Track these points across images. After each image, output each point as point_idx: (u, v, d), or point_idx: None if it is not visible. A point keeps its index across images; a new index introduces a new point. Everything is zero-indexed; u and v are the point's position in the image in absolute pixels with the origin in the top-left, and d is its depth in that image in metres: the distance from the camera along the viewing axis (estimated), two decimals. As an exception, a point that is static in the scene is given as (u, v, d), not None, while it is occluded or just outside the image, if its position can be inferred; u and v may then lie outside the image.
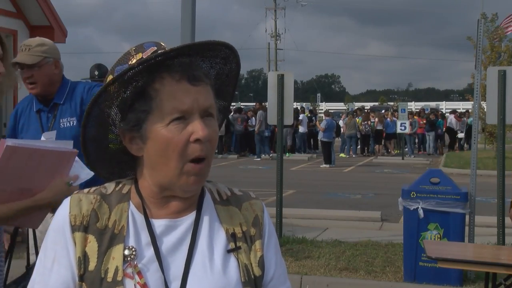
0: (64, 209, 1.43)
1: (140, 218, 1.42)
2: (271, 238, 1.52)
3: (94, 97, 1.41)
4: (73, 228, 1.39)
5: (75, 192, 1.47)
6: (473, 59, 11.88)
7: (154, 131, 1.37)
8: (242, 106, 29.80)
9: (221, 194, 1.53)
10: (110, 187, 1.47)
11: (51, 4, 11.09)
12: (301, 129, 25.86)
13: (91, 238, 1.38)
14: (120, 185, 1.47)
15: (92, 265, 1.36)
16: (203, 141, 1.35)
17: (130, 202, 1.44)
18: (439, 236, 6.36)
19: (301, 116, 26.28)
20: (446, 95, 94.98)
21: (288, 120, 8.15)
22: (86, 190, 1.46)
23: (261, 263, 1.46)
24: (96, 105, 1.41)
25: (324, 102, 56.09)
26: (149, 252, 1.38)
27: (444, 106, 46.83)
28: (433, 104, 48.47)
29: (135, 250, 1.37)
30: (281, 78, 8.05)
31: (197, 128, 1.35)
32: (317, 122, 27.39)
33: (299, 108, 29.88)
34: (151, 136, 1.38)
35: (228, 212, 1.49)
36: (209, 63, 1.49)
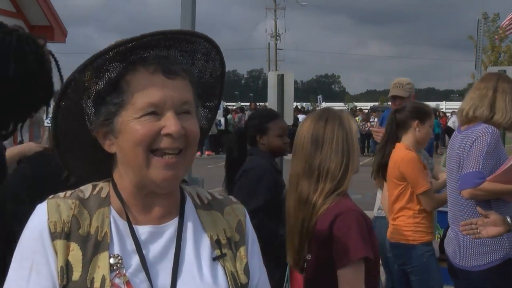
0: (41, 215, 1.32)
1: (123, 224, 1.35)
2: (254, 244, 1.48)
3: (62, 87, 1.33)
4: (53, 236, 1.30)
5: (50, 197, 1.37)
6: (473, 59, 11.89)
7: (125, 124, 1.31)
8: (243, 106, 29.82)
9: (202, 199, 1.47)
10: (87, 190, 1.38)
11: (51, 4, 11.09)
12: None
13: (74, 246, 1.30)
14: (98, 188, 1.39)
15: (76, 275, 1.28)
16: (174, 136, 1.29)
17: (111, 207, 1.36)
18: (439, 236, 6.36)
19: (300, 118, 26.27)
20: (446, 95, 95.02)
21: (288, 120, 8.16)
22: (61, 194, 1.37)
23: (247, 270, 1.42)
24: (65, 96, 1.34)
25: (324, 102, 56.16)
26: (135, 260, 1.32)
27: (444, 106, 46.81)
28: (433, 104, 48.46)
29: (121, 259, 1.30)
30: (281, 78, 8.06)
31: (169, 123, 1.29)
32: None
33: (299, 107, 29.88)
34: (122, 130, 1.32)
35: (211, 217, 1.44)
36: (190, 59, 1.43)
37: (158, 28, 1.35)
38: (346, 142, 2.44)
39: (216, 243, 1.40)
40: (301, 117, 26.55)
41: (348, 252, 2.27)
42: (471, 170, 3.36)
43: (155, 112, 1.30)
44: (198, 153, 21.29)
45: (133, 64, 1.32)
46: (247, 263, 1.42)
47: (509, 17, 20.04)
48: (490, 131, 3.40)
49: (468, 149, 3.44)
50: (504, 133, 7.13)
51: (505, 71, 7.07)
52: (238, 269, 1.40)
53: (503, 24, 21.95)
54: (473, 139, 3.42)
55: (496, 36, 23.62)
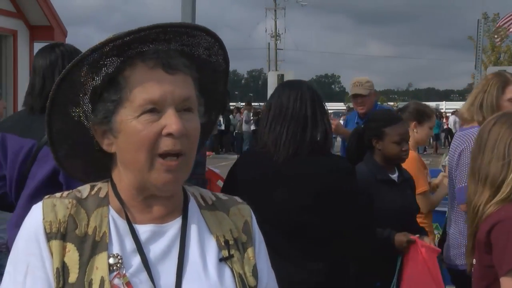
0: (36, 215, 1.27)
1: (122, 223, 1.30)
2: (261, 244, 1.44)
3: (57, 82, 1.27)
4: (49, 236, 1.24)
5: (46, 197, 1.31)
6: (473, 59, 11.88)
7: (124, 123, 1.25)
8: (239, 106, 29.86)
9: (206, 199, 1.42)
10: (84, 190, 1.33)
11: (51, 4, 11.10)
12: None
13: (71, 247, 1.24)
14: (96, 189, 1.34)
15: (73, 277, 1.23)
16: (176, 136, 1.23)
17: (110, 207, 1.31)
18: (439, 237, 6.36)
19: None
20: (446, 95, 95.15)
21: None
22: (58, 194, 1.32)
23: (255, 272, 1.37)
24: (60, 91, 1.28)
25: (324, 102, 56.08)
26: (136, 260, 1.27)
27: (444, 106, 46.80)
28: (433, 104, 48.41)
29: (121, 258, 1.25)
30: (281, 78, 8.08)
31: (170, 121, 1.23)
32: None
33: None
34: (121, 129, 1.26)
35: (216, 218, 1.39)
36: (191, 53, 1.35)
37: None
38: (509, 146, 2.35)
39: (224, 244, 1.35)
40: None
41: (505, 261, 2.24)
42: (463, 184, 3.33)
43: (155, 109, 1.24)
44: (198, 152, 21.22)
45: (131, 58, 1.26)
46: (255, 264, 1.37)
47: (506, 17, 20.04)
48: None
49: (457, 158, 3.47)
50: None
51: (505, 71, 7.06)
52: (246, 271, 1.35)
53: (500, 24, 21.95)
54: (461, 149, 3.45)
55: (496, 37, 23.60)
